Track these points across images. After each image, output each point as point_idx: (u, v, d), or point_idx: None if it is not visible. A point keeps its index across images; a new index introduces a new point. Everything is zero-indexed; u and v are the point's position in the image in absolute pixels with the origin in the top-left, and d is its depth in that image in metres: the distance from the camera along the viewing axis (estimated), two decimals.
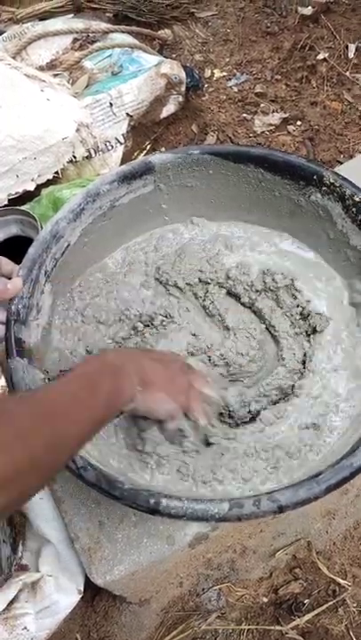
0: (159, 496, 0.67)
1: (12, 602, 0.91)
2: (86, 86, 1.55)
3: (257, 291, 0.93)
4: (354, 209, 0.87)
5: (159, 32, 1.88)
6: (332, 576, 1.08)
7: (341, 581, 1.08)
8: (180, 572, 0.96)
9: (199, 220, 1.02)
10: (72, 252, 0.89)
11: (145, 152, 1.62)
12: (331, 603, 1.06)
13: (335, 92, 1.73)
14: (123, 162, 1.50)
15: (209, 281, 0.95)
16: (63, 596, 0.94)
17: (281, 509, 0.67)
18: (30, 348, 0.78)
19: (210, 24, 1.98)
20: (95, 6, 1.78)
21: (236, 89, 1.80)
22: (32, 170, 1.36)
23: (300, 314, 0.91)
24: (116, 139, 1.51)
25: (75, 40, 1.65)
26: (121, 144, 1.52)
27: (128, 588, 0.90)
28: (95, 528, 0.88)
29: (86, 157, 1.45)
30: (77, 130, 1.40)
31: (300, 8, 1.86)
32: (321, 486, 0.68)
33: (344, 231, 0.90)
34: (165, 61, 1.57)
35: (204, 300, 0.94)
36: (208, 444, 0.77)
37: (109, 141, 1.49)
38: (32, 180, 1.37)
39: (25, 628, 0.91)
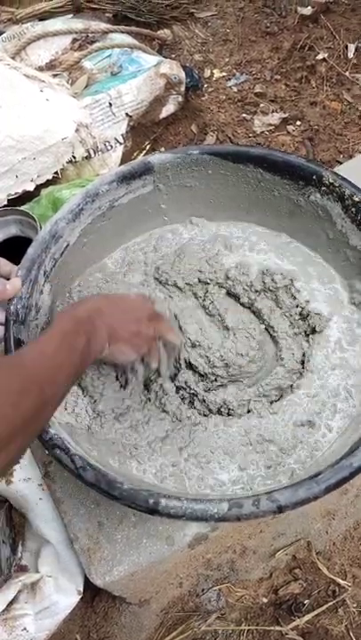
0: (158, 496, 0.67)
1: (11, 603, 0.91)
2: (86, 86, 1.54)
3: (256, 291, 0.93)
4: (353, 209, 0.87)
5: (159, 32, 1.88)
6: (332, 576, 1.08)
7: (341, 582, 1.07)
8: (180, 573, 0.96)
9: (198, 221, 1.02)
10: (71, 252, 0.89)
11: (144, 152, 1.61)
12: (331, 603, 1.06)
13: (335, 91, 1.73)
14: (122, 162, 1.50)
15: (208, 281, 0.95)
16: (63, 597, 0.94)
17: (280, 509, 0.67)
18: None
19: (209, 24, 1.98)
20: (95, 6, 1.78)
21: (235, 89, 1.80)
22: (31, 170, 1.36)
23: (300, 314, 0.90)
24: (116, 139, 1.51)
25: (74, 40, 1.65)
26: (120, 144, 1.52)
27: (128, 588, 0.90)
28: (95, 529, 0.88)
29: (86, 158, 1.45)
30: (77, 130, 1.40)
31: (299, 8, 1.86)
32: (320, 486, 0.68)
33: (343, 231, 0.90)
34: (165, 61, 1.57)
35: (203, 300, 0.94)
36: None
37: (109, 141, 1.49)
38: (31, 181, 1.37)
39: (24, 628, 0.90)
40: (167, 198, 0.98)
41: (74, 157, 1.43)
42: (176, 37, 1.93)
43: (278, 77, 1.80)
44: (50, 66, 1.61)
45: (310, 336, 0.90)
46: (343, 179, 0.89)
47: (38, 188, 1.39)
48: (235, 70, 1.84)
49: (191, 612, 1.04)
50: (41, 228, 1.05)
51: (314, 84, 1.76)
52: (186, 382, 0.86)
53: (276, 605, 1.06)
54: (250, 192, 0.97)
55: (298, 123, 1.70)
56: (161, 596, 0.99)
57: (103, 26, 1.68)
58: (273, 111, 1.73)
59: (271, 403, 0.86)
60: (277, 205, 0.96)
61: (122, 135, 1.51)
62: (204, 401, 0.85)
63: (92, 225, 0.91)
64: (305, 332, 0.90)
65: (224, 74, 1.84)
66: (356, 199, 0.87)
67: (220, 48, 1.91)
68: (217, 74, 1.85)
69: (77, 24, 1.67)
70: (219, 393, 0.86)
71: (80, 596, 0.96)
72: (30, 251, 0.83)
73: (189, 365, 0.88)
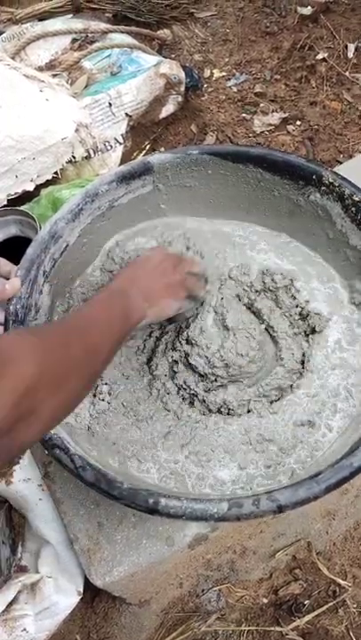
0: (158, 496, 0.67)
1: (11, 603, 0.91)
2: (85, 86, 1.54)
3: (256, 291, 0.93)
4: (353, 209, 0.87)
5: (158, 32, 1.88)
6: (332, 577, 1.07)
7: (341, 582, 1.07)
8: (180, 573, 0.96)
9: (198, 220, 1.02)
10: (71, 252, 0.88)
11: (144, 152, 1.61)
12: (331, 603, 1.06)
13: (335, 91, 1.73)
14: (122, 162, 1.50)
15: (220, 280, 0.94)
16: (63, 598, 0.94)
17: (280, 509, 0.67)
18: None
19: (209, 24, 1.98)
20: (94, 6, 1.78)
21: (235, 89, 1.80)
22: (31, 170, 1.35)
23: (300, 314, 0.90)
24: (115, 139, 1.50)
25: (74, 40, 1.65)
26: (120, 144, 1.51)
27: (128, 589, 0.90)
28: (94, 529, 0.88)
29: (85, 158, 1.45)
30: (76, 130, 1.40)
31: (299, 8, 1.86)
32: (320, 486, 0.68)
33: (343, 231, 0.90)
34: (165, 61, 1.57)
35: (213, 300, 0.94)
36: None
37: (108, 142, 1.49)
38: (31, 181, 1.37)
39: (24, 629, 0.90)
40: (167, 198, 0.98)
41: (73, 157, 1.43)
42: (176, 37, 1.93)
43: (278, 77, 1.80)
44: (49, 66, 1.61)
45: (310, 336, 0.89)
46: (343, 178, 0.89)
47: (38, 188, 1.39)
48: (235, 70, 1.84)
49: (191, 612, 1.04)
50: (40, 228, 1.05)
51: (314, 84, 1.76)
52: (185, 382, 0.86)
53: (277, 606, 1.06)
54: (250, 192, 0.97)
55: (298, 122, 1.70)
56: (161, 596, 0.99)
57: (103, 26, 1.68)
58: (273, 111, 1.73)
59: (271, 403, 0.85)
60: (277, 205, 0.96)
61: (121, 135, 1.51)
62: (204, 401, 0.85)
63: (91, 225, 0.91)
64: (305, 332, 0.90)
65: (224, 74, 1.84)
66: (356, 199, 0.86)
67: (220, 48, 1.91)
68: (217, 74, 1.85)
69: (77, 24, 1.67)
70: (219, 393, 0.86)
71: (80, 597, 0.95)
72: (30, 251, 0.83)
73: (189, 365, 0.88)
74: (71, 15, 1.73)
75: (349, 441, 0.75)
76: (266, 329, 0.93)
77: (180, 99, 1.61)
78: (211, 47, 1.92)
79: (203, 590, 1.05)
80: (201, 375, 0.87)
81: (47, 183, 1.40)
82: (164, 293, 0.79)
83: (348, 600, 1.06)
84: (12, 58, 1.56)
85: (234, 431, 0.82)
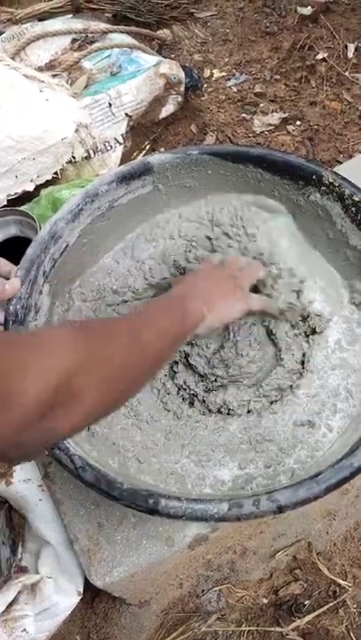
0: (158, 496, 0.67)
1: (11, 604, 0.91)
2: (85, 87, 1.54)
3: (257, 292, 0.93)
4: (353, 209, 0.87)
5: (158, 32, 1.88)
6: (332, 577, 1.07)
7: (342, 582, 1.07)
8: (180, 574, 0.96)
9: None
10: (70, 252, 0.88)
11: (144, 152, 1.61)
12: (331, 604, 1.06)
13: (334, 91, 1.73)
14: (122, 162, 1.50)
15: None
16: (63, 598, 0.94)
17: (280, 509, 0.67)
18: None
19: (209, 24, 1.98)
20: (94, 6, 1.78)
21: (235, 89, 1.80)
22: (31, 170, 1.35)
23: (300, 315, 0.90)
24: (115, 139, 1.50)
25: (74, 40, 1.65)
26: (120, 144, 1.51)
27: (128, 589, 0.90)
28: (94, 530, 0.88)
29: (85, 158, 1.45)
30: (76, 130, 1.40)
31: (299, 8, 1.86)
32: (321, 486, 0.68)
33: (343, 231, 0.90)
34: (164, 61, 1.57)
35: None
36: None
37: (108, 142, 1.49)
38: (31, 181, 1.37)
39: (24, 629, 0.90)
40: (167, 199, 0.98)
41: (73, 158, 1.43)
42: (176, 37, 1.93)
43: (278, 77, 1.80)
44: (49, 66, 1.61)
45: (310, 336, 0.89)
46: (343, 178, 0.88)
47: (38, 188, 1.39)
48: (234, 70, 1.84)
49: (191, 612, 1.04)
50: (40, 228, 1.05)
51: (314, 84, 1.76)
52: (185, 382, 0.86)
53: (277, 606, 1.06)
54: (249, 192, 0.96)
55: (298, 122, 1.70)
56: (161, 596, 0.99)
57: (103, 26, 1.68)
58: (273, 111, 1.73)
59: (271, 403, 0.85)
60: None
61: (121, 135, 1.51)
62: (204, 401, 0.85)
63: (91, 225, 0.91)
64: (305, 332, 0.90)
65: (224, 74, 1.84)
66: (356, 199, 0.86)
67: (220, 48, 1.91)
68: (217, 74, 1.85)
69: (77, 24, 1.67)
70: (219, 393, 0.86)
71: (80, 597, 0.95)
72: (29, 251, 0.83)
73: (189, 366, 0.88)
74: (71, 15, 1.73)
75: (350, 441, 0.75)
76: (266, 329, 0.93)
77: (179, 99, 1.61)
78: (211, 47, 1.92)
79: (203, 591, 1.05)
80: (201, 375, 0.87)
81: (47, 183, 1.40)
82: (222, 295, 0.80)
83: (349, 600, 1.06)
84: (12, 58, 1.56)
85: (234, 431, 0.82)
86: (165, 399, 0.86)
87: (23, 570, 0.98)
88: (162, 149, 1.64)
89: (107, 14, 1.83)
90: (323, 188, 0.89)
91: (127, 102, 1.50)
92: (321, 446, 0.80)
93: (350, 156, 1.60)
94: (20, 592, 0.92)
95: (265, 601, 1.07)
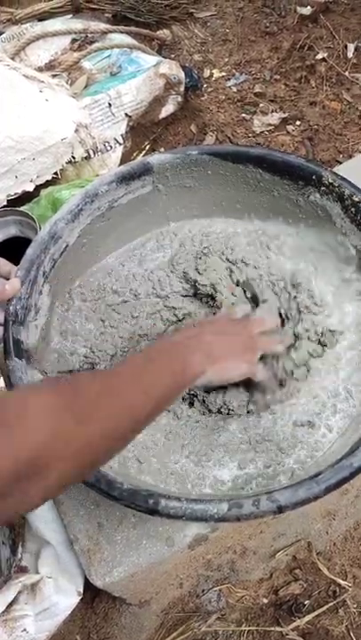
0: (158, 496, 0.67)
1: (11, 604, 0.91)
2: (85, 87, 1.55)
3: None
4: (353, 209, 0.87)
5: (158, 32, 1.88)
6: (332, 577, 1.07)
7: (342, 582, 1.07)
8: (180, 574, 0.96)
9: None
10: (70, 252, 0.88)
11: (144, 152, 1.61)
12: (331, 604, 1.06)
13: (334, 91, 1.73)
14: (122, 162, 1.50)
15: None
16: (63, 598, 0.94)
17: (280, 509, 0.67)
18: (29, 348, 0.78)
19: (209, 24, 1.98)
20: (94, 7, 1.78)
21: (235, 89, 1.80)
22: (31, 170, 1.36)
23: (315, 332, 0.88)
24: (115, 139, 1.51)
25: (73, 40, 1.66)
26: (120, 144, 1.52)
27: (128, 589, 0.90)
28: (94, 529, 0.88)
29: (85, 158, 1.45)
30: (76, 130, 1.40)
31: (299, 8, 1.86)
32: (320, 486, 0.68)
33: (343, 231, 0.90)
34: (164, 61, 1.57)
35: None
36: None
37: (108, 142, 1.49)
38: (31, 181, 1.37)
39: (24, 629, 0.90)
40: (167, 199, 0.98)
41: (73, 158, 1.43)
42: (175, 37, 1.93)
43: (278, 77, 1.80)
44: (49, 66, 1.62)
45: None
46: (343, 179, 0.88)
47: (38, 188, 1.39)
48: (234, 70, 1.84)
49: (191, 612, 1.04)
50: (40, 228, 1.05)
51: (313, 84, 1.76)
52: None
53: (277, 606, 1.06)
54: (249, 192, 0.97)
55: (297, 123, 1.70)
56: (161, 596, 0.99)
57: (102, 26, 1.68)
58: (272, 111, 1.73)
59: None
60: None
61: (121, 135, 1.51)
62: (204, 401, 0.85)
63: (91, 225, 0.91)
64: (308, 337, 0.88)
65: (223, 74, 1.84)
66: (356, 199, 0.86)
67: (220, 48, 1.91)
68: (216, 74, 1.85)
69: (77, 24, 1.67)
70: (219, 394, 0.85)
71: (80, 597, 0.95)
72: (29, 251, 0.83)
73: None
74: (71, 15, 1.73)
75: (349, 441, 0.75)
76: None
77: (179, 99, 1.61)
78: (210, 47, 1.92)
79: (203, 590, 1.05)
80: None
81: (47, 183, 1.40)
82: (229, 352, 0.75)
83: (349, 600, 1.06)
84: (12, 58, 1.56)
85: (234, 431, 0.82)
86: None
87: (23, 570, 0.98)
88: (162, 149, 1.65)
89: (106, 14, 1.83)
90: (322, 188, 0.89)
91: (127, 102, 1.50)
92: (321, 446, 0.80)
93: (350, 156, 1.60)
94: (20, 592, 0.92)
95: (265, 601, 1.07)
